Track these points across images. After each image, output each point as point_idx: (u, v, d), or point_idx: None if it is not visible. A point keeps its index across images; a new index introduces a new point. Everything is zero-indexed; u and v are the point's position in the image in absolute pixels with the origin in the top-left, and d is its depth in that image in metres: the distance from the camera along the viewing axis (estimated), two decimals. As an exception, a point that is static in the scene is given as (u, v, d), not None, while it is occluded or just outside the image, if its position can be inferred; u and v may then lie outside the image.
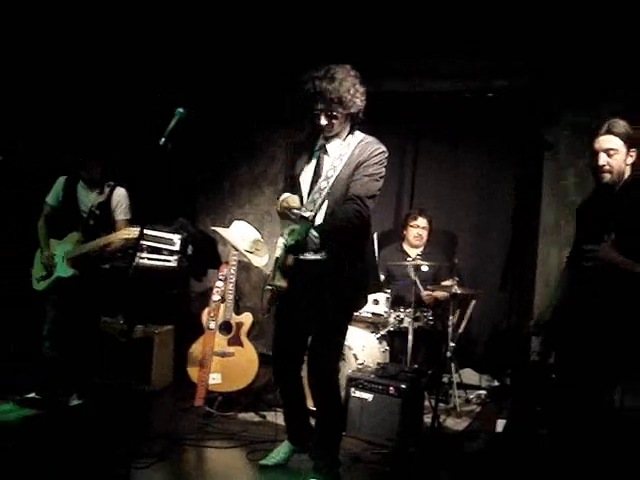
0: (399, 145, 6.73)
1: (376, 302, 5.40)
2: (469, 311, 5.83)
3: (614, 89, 5.46)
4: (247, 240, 4.86)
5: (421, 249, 6.05)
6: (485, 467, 4.12)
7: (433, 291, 5.84)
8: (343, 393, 4.70)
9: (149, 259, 5.72)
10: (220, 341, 5.12)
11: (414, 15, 5.94)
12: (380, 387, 4.62)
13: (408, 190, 6.74)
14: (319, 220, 3.52)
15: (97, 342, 5.08)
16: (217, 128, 6.76)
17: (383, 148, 3.62)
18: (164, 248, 5.87)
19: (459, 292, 5.49)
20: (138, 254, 5.22)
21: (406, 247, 6.13)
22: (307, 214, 3.39)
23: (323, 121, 3.53)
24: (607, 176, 3.40)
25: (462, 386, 5.76)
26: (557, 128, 5.73)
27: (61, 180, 5.03)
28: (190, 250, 5.68)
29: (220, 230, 5.22)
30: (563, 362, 3.54)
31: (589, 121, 5.57)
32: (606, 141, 3.40)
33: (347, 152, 3.58)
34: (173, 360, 5.70)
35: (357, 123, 3.66)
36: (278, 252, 3.65)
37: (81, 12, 5.67)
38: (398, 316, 5.52)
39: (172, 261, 5.86)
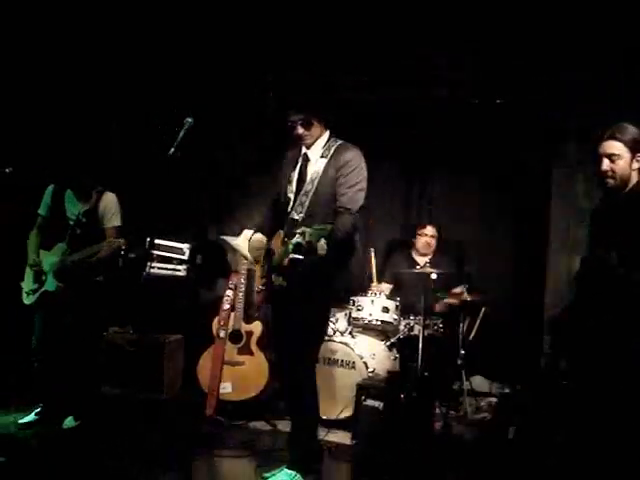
0: (407, 153, 6.74)
1: (386, 310, 5.39)
2: (479, 318, 5.81)
3: (622, 94, 5.44)
4: (257, 249, 4.86)
5: (429, 257, 6.04)
6: (496, 474, 4.10)
7: (445, 298, 5.84)
8: (354, 401, 4.72)
9: (159, 268, 5.75)
10: (230, 350, 5.12)
11: (419, 21, 5.94)
12: (390, 395, 4.61)
13: (416, 198, 6.74)
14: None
15: (96, 359, 4.96)
16: (227, 138, 6.76)
17: (359, 153, 3.76)
18: (174, 257, 5.90)
19: (469, 299, 5.48)
20: (149, 263, 5.21)
21: (415, 255, 6.12)
22: (301, 236, 3.35)
23: (299, 130, 3.71)
24: (610, 181, 3.39)
25: (473, 393, 5.74)
26: (566, 134, 5.72)
27: (49, 189, 4.84)
28: (199, 259, 5.69)
29: (229, 239, 5.22)
30: (579, 365, 3.52)
31: (598, 127, 5.58)
32: (609, 146, 3.38)
33: (328, 155, 3.75)
34: (183, 369, 5.70)
35: (331, 126, 3.83)
36: (277, 249, 3.73)
37: (69, 19, 5.67)
38: (408, 324, 5.51)
39: (181, 270, 5.89)
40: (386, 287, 6.10)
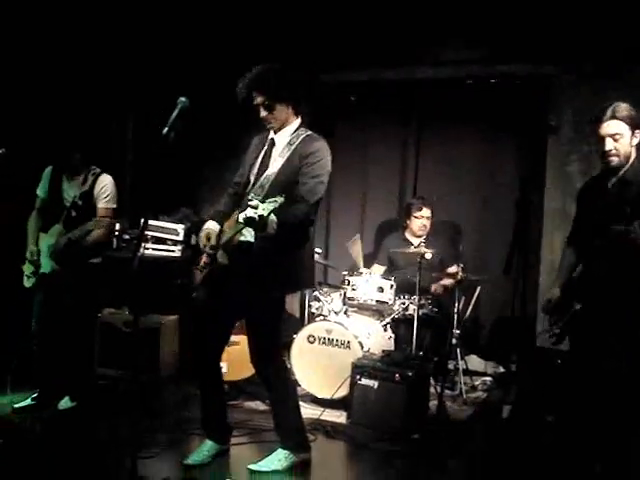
0: (401, 133, 6.74)
1: (381, 289, 5.40)
2: (474, 298, 5.83)
3: (617, 74, 5.44)
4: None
5: (424, 237, 6.04)
6: (490, 453, 4.13)
7: (440, 279, 5.85)
8: (349, 381, 4.73)
9: (153, 249, 5.74)
10: (225, 330, 5.12)
11: (413, 1, 5.93)
12: (385, 374, 4.63)
13: (411, 178, 6.74)
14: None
15: (91, 340, 5.00)
16: (219, 118, 6.74)
17: (326, 146, 3.70)
18: (168, 238, 5.89)
19: (464, 278, 5.49)
20: (143, 244, 5.19)
21: (409, 236, 6.11)
22: (252, 209, 3.28)
23: (262, 113, 3.67)
24: (615, 159, 3.47)
25: (468, 373, 5.77)
26: (560, 114, 5.71)
27: (47, 171, 4.82)
28: (194, 240, 5.67)
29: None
30: (579, 342, 3.53)
31: (592, 107, 5.57)
32: (611, 126, 3.45)
33: (295, 142, 3.69)
34: (179, 350, 5.71)
35: (301, 113, 3.79)
36: (229, 229, 3.67)
37: (60, 6, 5.65)
38: (403, 303, 5.52)
39: (176, 251, 5.89)
40: (378, 269, 6.11)
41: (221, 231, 3.73)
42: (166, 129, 3.11)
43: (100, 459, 3.90)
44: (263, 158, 3.77)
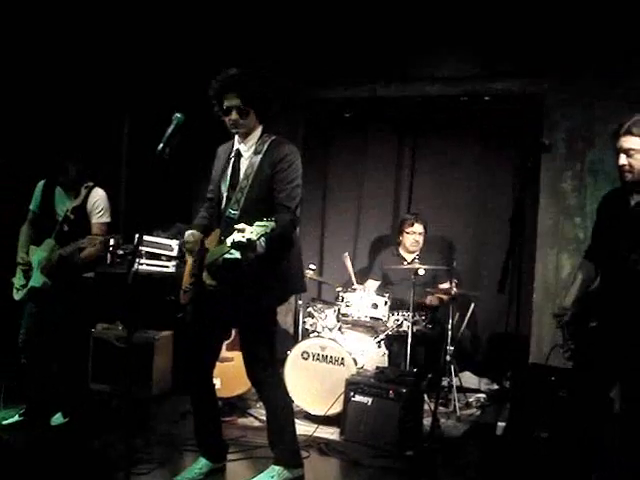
0: (396, 150, 6.78)
1: (375, 306, 5.40)
2: (468, 315, 5.83)
3: (611, 92, 5.48)
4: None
5: (417, 253, 6.05)
6: (484, 470, 4.12)
7: (434, 294, 5.86)
8: (343, 397, 4.73)
9: (147, 265, 5.72)
10: (219, 346, 5.11)
11: (408, 19, 5.97)
12: (379, 391, 4.62)
13: (406, 194, 6.77)
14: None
15: (84, 355, 5.01)
16: (215, 132, 6.74)
17: (294, 149, 3.68)
18: (162, 254, 5.88)
19: (458, 294, 5.50)
20: (137, 260, 5.17)
21: (402, 252, 6.12)
22: (240, 233, 3.22)
23: (234, 116, 3.57)
24: (628, 176, 3.37)
25: (462, 389, 5.76)
26: (554, 132, 5.74)
27: (40, 184, 4.82)
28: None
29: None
30: (592, 359, 3.50)
31: (586, 124, 5.62)
32: (626, 141, 3.35)
33: (262, 150, 3.63)
34: (173, 365, 5.69)
35: (267, 122, 3.72)
36: (214, 250, 3.61)
37: (55, 12, 5.65)
38: (397, 320, 5.52)
39: (170, 267, 5.87)
40: (372, 284, 6.12)
41: (203, 244, 3.69)
42: (161, 145, 3.12)
43: (93, 475, 3.87)
44: (232, 171, 3.70)
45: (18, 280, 4.72)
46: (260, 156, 3.61)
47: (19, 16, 5.51)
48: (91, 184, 4.76)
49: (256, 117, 3.64)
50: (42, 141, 5.47)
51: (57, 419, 4.69)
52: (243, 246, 3.20)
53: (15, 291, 4.73)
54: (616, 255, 3.37)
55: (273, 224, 3.19)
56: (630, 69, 5.42)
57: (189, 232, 3.75)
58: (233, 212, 3.58)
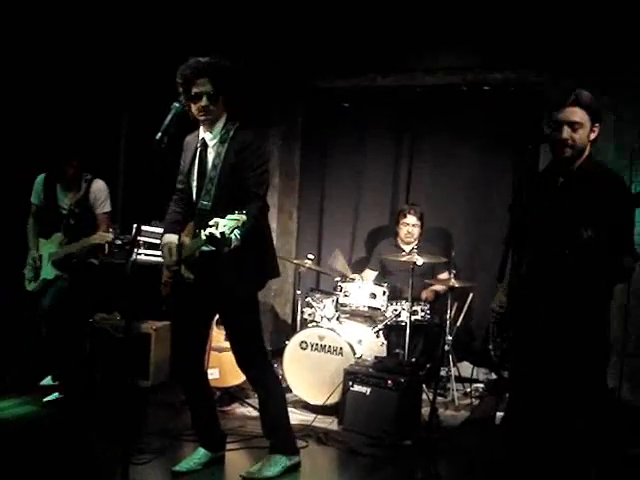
0: (395, 140, 6.75)
1: (373, 296, 5.40)
2: (466, 305, 5.83)
3: (611, 82, 5.46)
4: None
5: (414, 244, 6.04)
6: (483, 460, 4.12)
7: (431, 286, 5.86)
8: (341, 387, 4.73)
9: (145, 255, 5.70)
10: (217, 336, 5.11)
11: (407, 8, 5.95)
12: (378, 381, 4.63)
13: (404, 185, 6.76)
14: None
15: (82, 338, 5.16)
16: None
17: (260, 134, 3.79)
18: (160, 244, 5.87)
19: (456, 285, 5.50)
20: (135, 250, 5.19)
21: (400, 243, 6.12)
22: (212, 227, 3.21)
23: (204, 102, 3.51)
24: (568, 151, 3.12)
25: (460, 379, 5.76)
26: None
27: (39, 178, 4.98)
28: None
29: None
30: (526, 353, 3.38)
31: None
32: (572, 113, 3.10)
33: (227, 138, 3.61)
34: (170, 356, 5.67)
35: (232, 110, 3.69)
36: (190, 244, 3.62)
37: (53, 7, 5.67)
38: (395, 310, 5.52)
39: (168, 257, 5.85)
40: (370, 274, 6.12)
41: (180, 243, 3.69)
42: (159, 134, 3.11)
43: (92, 465, 3.88)
44: (200, 162, 3.68)
45: (29, 272, 4.97)
46: (226, 145, 3.60)
47: (18, 12, 5.51)
48: (89, 176, 4.91)
49: (224, 104, 3.62)
50: (40, 135, 5.50)
51: (47, 381, 4.98)
52: (217, 240, 3.19)
53: (27, 282, 4.99)
54: (546, 247, 3.15)
55: (244, 217, 3.18)
56: (629, 61, 5.40)
57: (165, 244, 3.70)
58: (205, 203, 3.57)
